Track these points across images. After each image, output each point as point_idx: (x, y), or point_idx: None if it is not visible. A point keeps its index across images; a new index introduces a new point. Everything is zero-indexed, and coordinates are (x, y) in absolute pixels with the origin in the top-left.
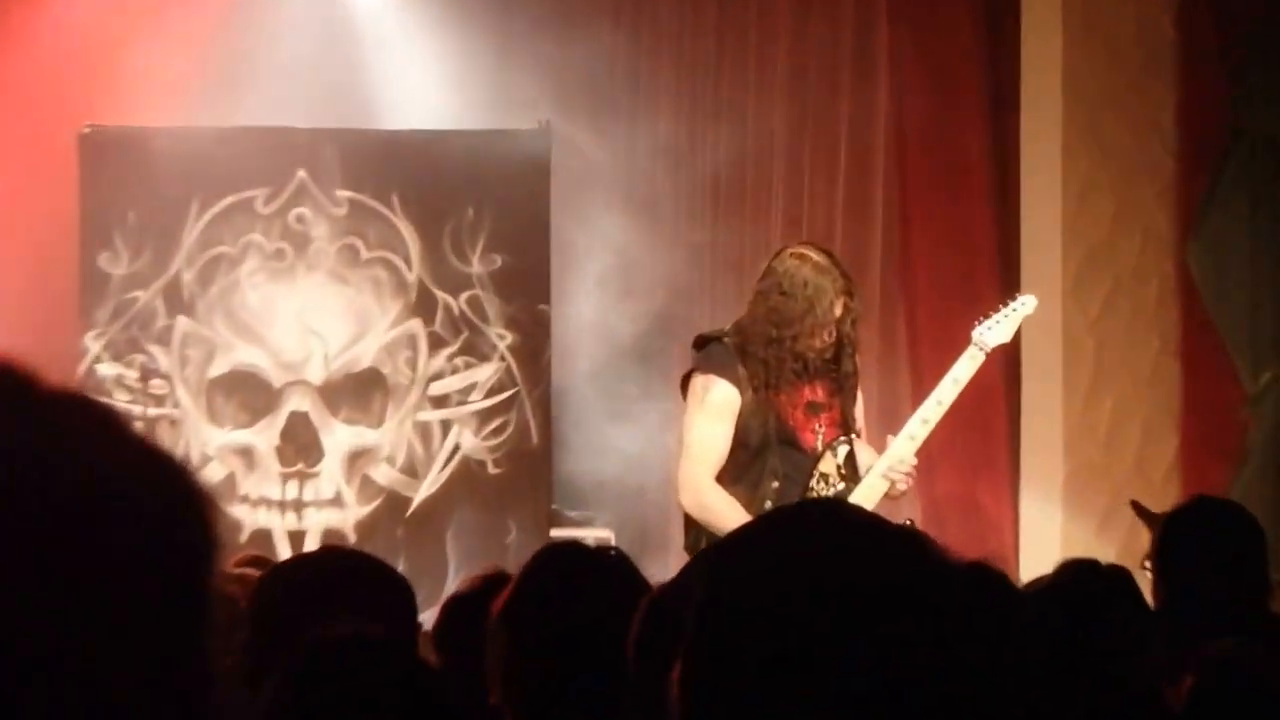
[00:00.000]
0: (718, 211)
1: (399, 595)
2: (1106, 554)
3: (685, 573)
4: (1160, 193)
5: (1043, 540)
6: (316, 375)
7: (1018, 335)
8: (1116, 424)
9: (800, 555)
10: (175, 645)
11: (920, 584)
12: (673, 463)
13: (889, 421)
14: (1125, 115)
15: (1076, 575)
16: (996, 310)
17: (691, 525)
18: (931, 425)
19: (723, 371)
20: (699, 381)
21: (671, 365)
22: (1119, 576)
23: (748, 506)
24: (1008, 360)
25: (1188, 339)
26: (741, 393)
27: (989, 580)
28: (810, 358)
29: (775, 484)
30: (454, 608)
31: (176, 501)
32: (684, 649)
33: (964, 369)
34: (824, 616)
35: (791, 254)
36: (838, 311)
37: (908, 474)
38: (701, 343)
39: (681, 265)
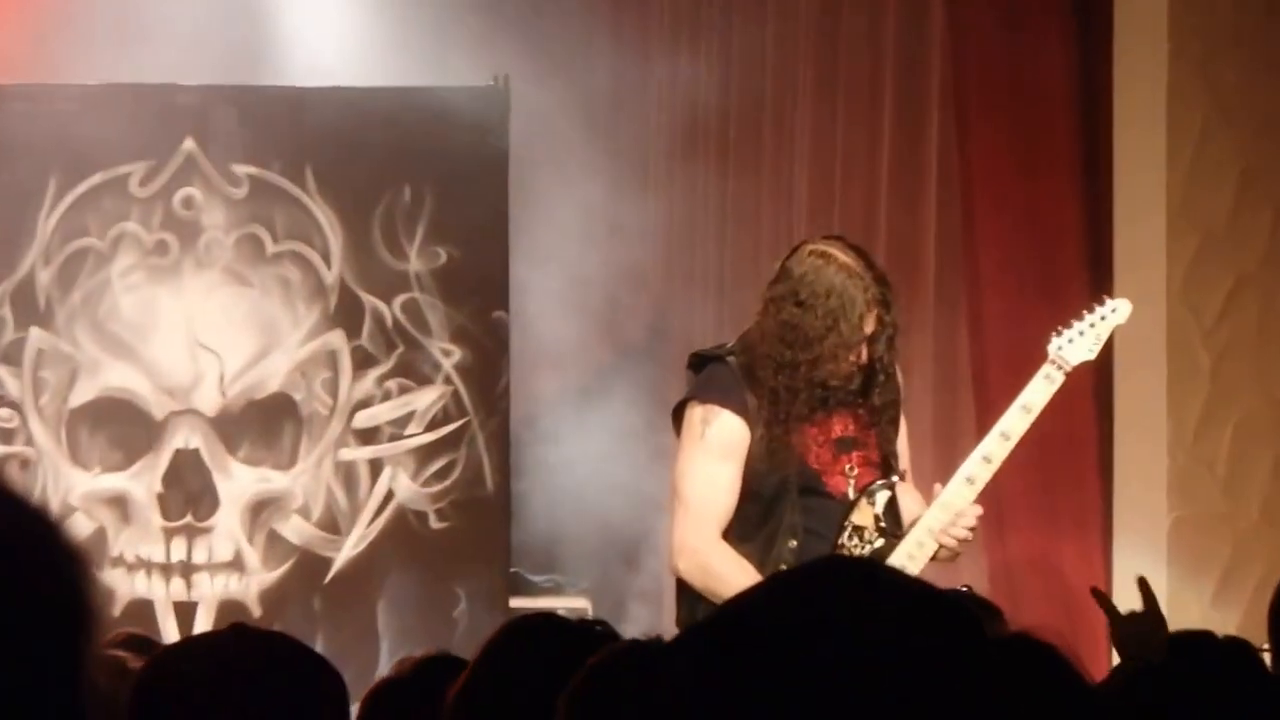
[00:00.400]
0: (725, 189)
1: (325, 688)
2: (1225, 624)
3: (672, 652)
4: None
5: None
6: (209, 403)
7: (1109, 349)
8: (1239, 460)
9: (818, 631)
10: None
11: (969, 672)
12: (665, 514)
13: (946, 461)
14: (1252, 54)
15: (1183, 652)
16: (1080, 318)
17: (688, 594)
18: (996, 465)
19: (727, 400)
20: (696, 413)
21: (665, 388)
22: (1239, 652)
23: (760, 572)
24: (1098, 381)
25: None
26: (751, 427)
27: (1036, 658)
28: (834, 386)
29: (793, 543)
30: (382, 699)
31: (42, 563)
32: None
33: (1038, 394)
34: (847, 710)
35: (812, 252)
36: (868, 328)
37: (968, 529)
38: (699, 363)
39: (678, 260)
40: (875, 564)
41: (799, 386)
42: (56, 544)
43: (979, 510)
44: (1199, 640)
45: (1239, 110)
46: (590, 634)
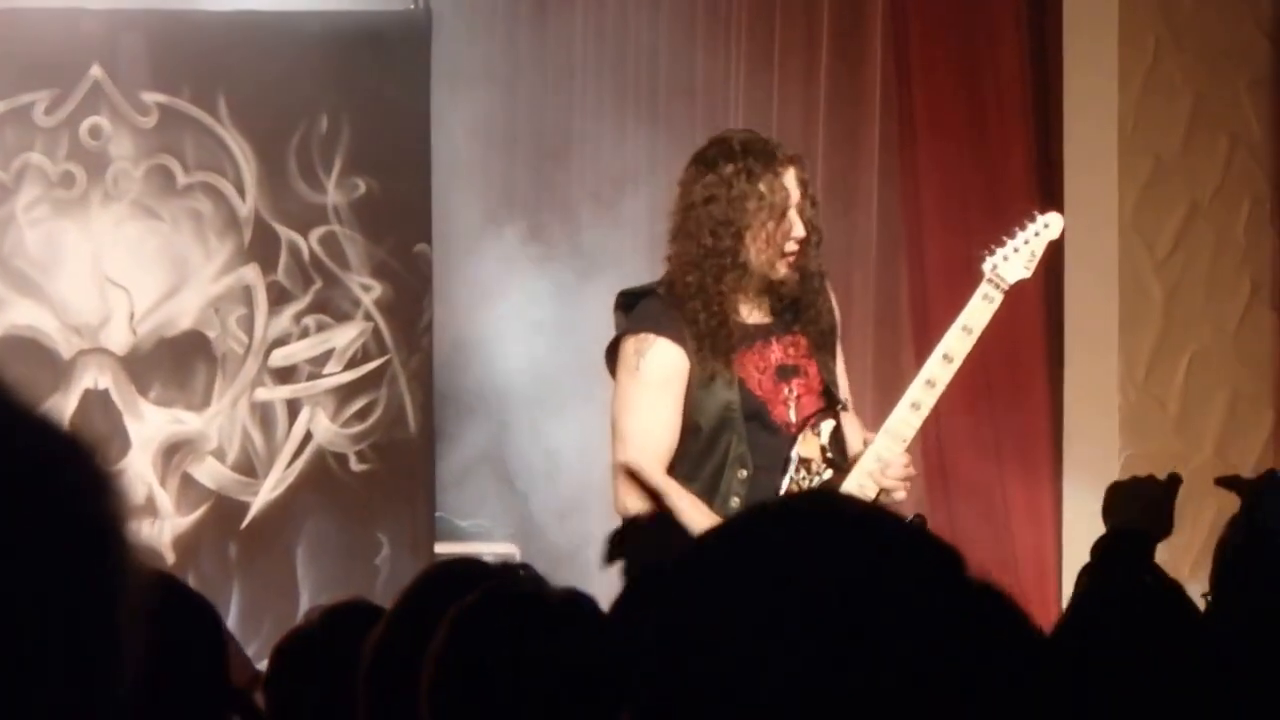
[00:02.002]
0: (656, 119)
1: (196, 620)
2: (1178, 565)
3: (625, 602)
4: (1253, 85)
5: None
6: (119, 341)
7: (1057, 279)
8: (1193, 396)
9: (788, 572)
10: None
11: (957, 612)
12: (603, 453)
13: (887, 398)
14: None
15: (1113, 599)
16: (1012, 235)
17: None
18: (940, 389)
19: (660, 329)
20: (630, 344)
21: (593, 320)
22: (1169, 597)
23: (709, 506)
24: (1047, 315)
25: None
26: (689, 355)
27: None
28: (770, 285)
29: (743, 473)
30: (293, 649)
31: (78, 489)
32: (632, 710)
33: (977, 314)
34: (822, 658)
35: (692, 159)
36: (791, 185)
37: (899, 479)
38: (628, 301)
39: (610, 189)
40: (836, 495)
41: (725, 270)
42: (92, 469)
43: (907, 460)
44: (1129, 586)
45: (1189, 38)
46: (514, 580)
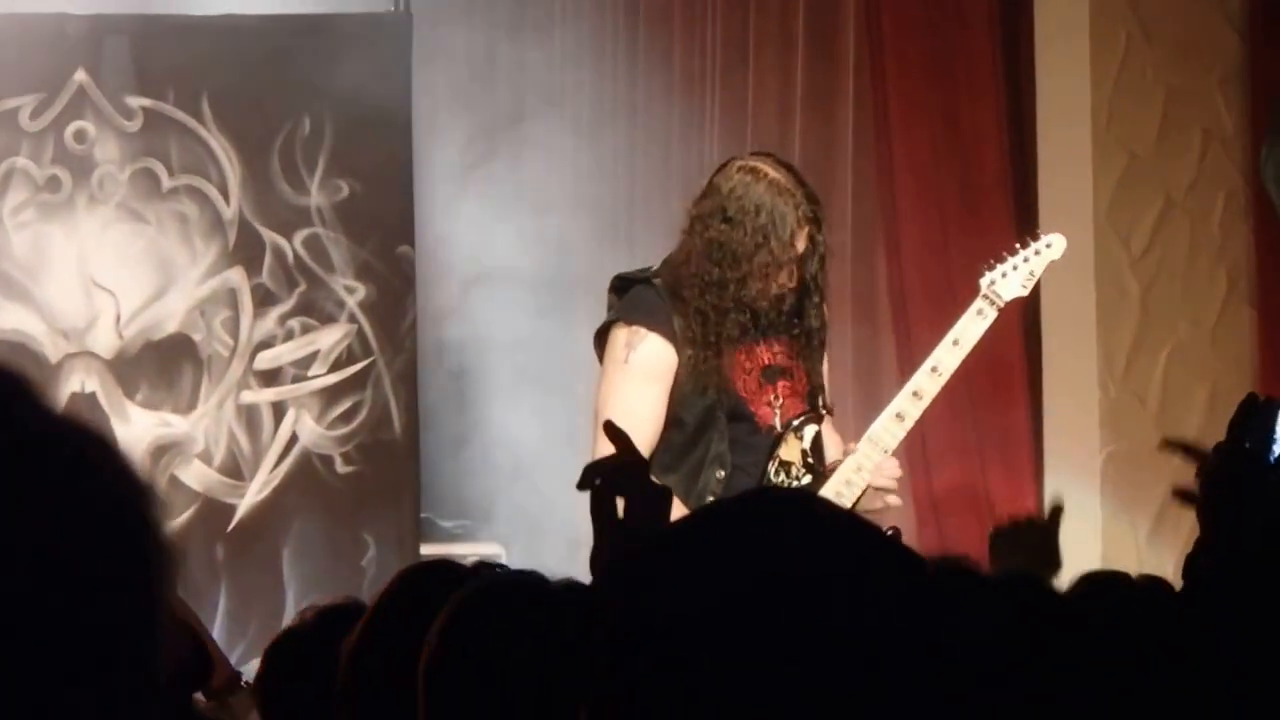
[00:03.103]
0: (634, 110)
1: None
2: (1160, 562)
3: (592, 592)
4: (1224, 80)
5: (1075, 547)
6: (105, 345)
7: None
8: (1172, 392)
9: (752, 568)
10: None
11: (919, 616)
12: (585, 453)
13: (867, 394)
14: None
15: (1094, 594)
16: (1013, 252)
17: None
18: (926, 401)
19: (652, 322)
20: (620, 335)
21: (581, 318)
22: (1153, 593)
23: (685, 503)
24: (1026, 313)
25: (1266, 276)
26: (678, 350)
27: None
28: (763, 308)
29: (721, 473)
30: (284, 650)
31: (117, 500)
32: (593, 696)
33: (970, 328)
34: (781, 653)
35: (740, 168)
36: (800, 246)
37: (890, 479)
38: (623, 285)
39: (588, 183)
40: (810, 496)
41: (727, 306)
42: (130, 479)
43: (895, 464)
44: (1112, 581)
45: (1161, 32)
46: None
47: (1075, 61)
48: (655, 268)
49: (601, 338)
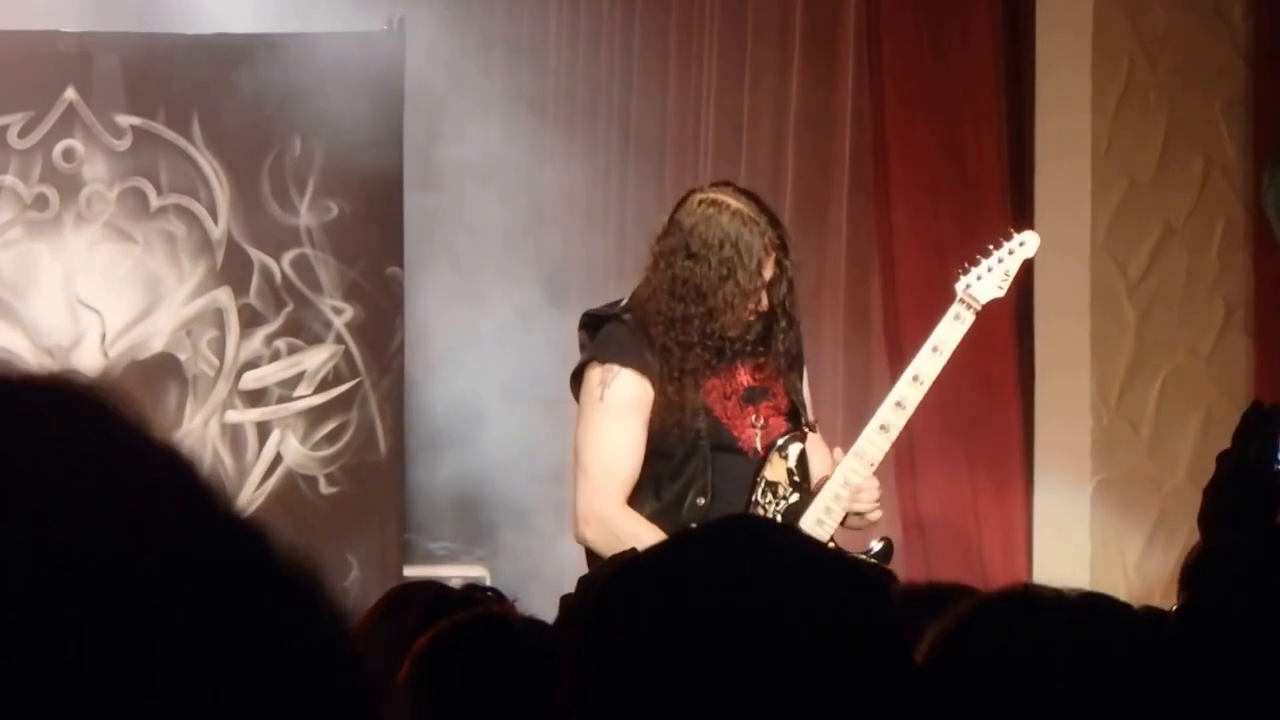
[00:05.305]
0: (627, 138)
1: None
2: (1149, 590)
3: (564, 611)
4: (1227, 106)
5: (1063, 573)
6: (91, 363)
7: (1028, 299)
8: (1166, 419)
9: (712, 592)
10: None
11: (856, 638)
12: (567, 478)
13: (858, 417)
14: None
15: (1089, 621)
16: (986, 254)
17: (596, 562)
18: (910, 411)
19: (625, 358)
20: (595, 374)
21: (571, 342)
22: (1149, 623)
23: (669, 534)
24: (1020, 333)
25: (1263, 305)
26: (653, 384)
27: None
28: (732, 337)
29: (701, 501)
30: None
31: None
32: (561, 705)
33: (948, 334)
34: (737, 671)
35: (701, 201)
36: (767, 274)
37: (872, 501)
38: (594, 323)
39: (580, 209)
40: (772, 524)
41: (692, 341)
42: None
43: (876, 485)
44: (1109, 606)
45: (1164, 58)
46: (476, 602)
47: (1076, 87)
48: (625, 302)
49: (577, 378)
